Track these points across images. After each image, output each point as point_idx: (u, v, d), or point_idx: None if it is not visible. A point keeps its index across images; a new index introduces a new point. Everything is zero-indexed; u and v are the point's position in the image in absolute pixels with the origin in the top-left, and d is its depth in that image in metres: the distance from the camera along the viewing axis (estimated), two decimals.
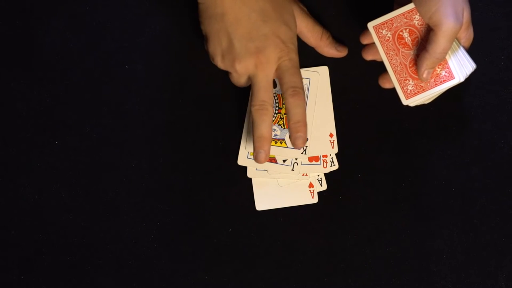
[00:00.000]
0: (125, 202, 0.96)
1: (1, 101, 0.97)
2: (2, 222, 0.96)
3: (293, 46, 0.91)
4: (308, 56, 0.96)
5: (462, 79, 0.89)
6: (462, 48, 0.89)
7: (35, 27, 0.98)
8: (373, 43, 0.91)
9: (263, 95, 0.90)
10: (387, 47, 0.90)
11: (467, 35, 0.90)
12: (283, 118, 0.95)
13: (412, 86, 0.90)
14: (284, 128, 0.95)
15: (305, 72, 0.96)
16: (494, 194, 0.95)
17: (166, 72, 0.97)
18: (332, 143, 0.95)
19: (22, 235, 0.96)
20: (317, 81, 0.96)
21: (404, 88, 0.90)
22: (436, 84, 0.89)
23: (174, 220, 0.96)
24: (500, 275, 0.94)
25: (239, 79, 0.91)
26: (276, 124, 0.95)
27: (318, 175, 0.95)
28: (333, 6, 0.97)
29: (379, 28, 0.90)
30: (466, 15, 0.88)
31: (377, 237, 0.95)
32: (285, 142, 0.95)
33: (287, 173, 0.95)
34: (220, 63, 0.91)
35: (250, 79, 0.91)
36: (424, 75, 0.88)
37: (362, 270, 0.95)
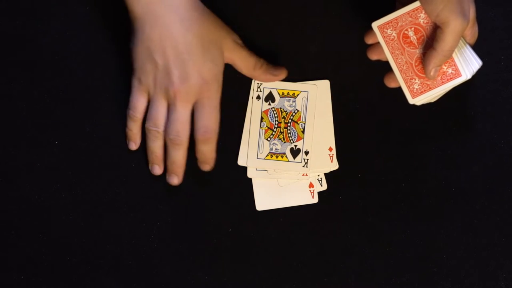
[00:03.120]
0: (125, 202, 0.96)
1: (1, 101, 0.97)
2: (2, 222, 0.96)
3: (216, 84, 0.91)
4: (308, 69, 0.96)
5: (469, 76, 0.89)
6: (468, 45, 0.89)
7: (35, 27, 0.98)
8: (378, 42, 0.91)
9: (178, 126, 0.91)
10: (392, 47, 0.90)
11: (472, 33, 0.90)
12: (283, 133, 0.95)
13: (419, 85, 0.90)
14: (285, 142, 0.95)
15: (304, 85, 0.96)
16: (494, 194, 0.95)
17: None
18: (331, 157, 0.95)
19: (22, 235, 0.96)
20: (315, 94, 0.95)
21: (411, 87, 0.90)
22: (443, 82, 0.89)
23: (174, 220, 0.96)
24: (500, 275, 0.94)
25: (140, 99, 0.93)
26: (276, 139, 0.95)
27: (318, 175, 0.95)
28: (334, 6, 0.97)
29: (383, 28, 0.90)
30: (471, 12, 0.88)
31: (377, 237, 0.95)
32: (286, 156, 0.95)
33: (297, 170, 0.95)
34: (143, 81, 0.92)
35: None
36: (432, 73, 0.88)
37: (362, 270, 0.95)
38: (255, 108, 0.96)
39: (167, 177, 0.95)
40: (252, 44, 0.95)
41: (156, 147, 0.94)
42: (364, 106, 0.96)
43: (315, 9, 0.97)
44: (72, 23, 0.98)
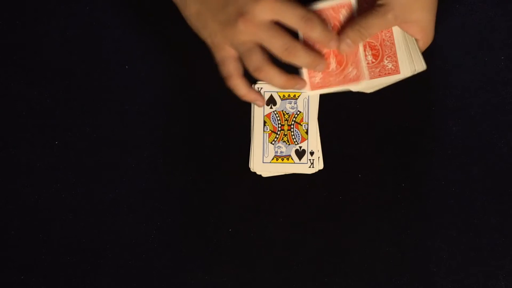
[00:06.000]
0: (125, 202, 0.96)
1: (1, 101, 0.97)
2: (2, 222, 0.96)
3: None
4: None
5: (408, 74, 0.88)
6: (416, 47, 0.89)
7: (35, 27, 0.98)
8: None
9: (279, 41, 0.84)
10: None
11: (423, 37, 0.89)
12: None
13: (319, 79, 0.89)
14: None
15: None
16: (494, 194, 0.95)
17: (166, 72, 0.97)
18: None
19: (22, 235, 0.96)
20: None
21: (312, 80, 0.89)
22: (380, 75, 0.89)
23: (174, 220, 0.96)
24: (500, 275, 0.94)
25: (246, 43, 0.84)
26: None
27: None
28: None
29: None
30: (425, 19, 0.87)
31: (377, 237, 0.95)
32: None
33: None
34: (214, 40, 0.85)
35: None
36: (343, 46, 0.86)
37: (362, 270, 0.95)
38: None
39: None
40: None
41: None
42: (364, 106, 0.96)
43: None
44: (72, 23, 0.98)
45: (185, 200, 0.96)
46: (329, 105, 0.96)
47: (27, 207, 0.96)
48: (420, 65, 0.89)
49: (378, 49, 0.89)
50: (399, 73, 0.88)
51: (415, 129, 0.96)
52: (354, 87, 0.89)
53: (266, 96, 0.96)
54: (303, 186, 0.96)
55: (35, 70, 0.97)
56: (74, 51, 0.98)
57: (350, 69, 0.88)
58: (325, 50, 0.87)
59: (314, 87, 0.89)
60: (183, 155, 0.96)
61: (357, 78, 0.88)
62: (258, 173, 0.95)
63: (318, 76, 0.88)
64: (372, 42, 0.89)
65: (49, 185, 0.96)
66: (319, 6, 0.87)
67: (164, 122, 0.97)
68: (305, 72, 0.88)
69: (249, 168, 0.95)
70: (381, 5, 0.86)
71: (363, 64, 0.88)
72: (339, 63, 0.88)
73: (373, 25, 0.86)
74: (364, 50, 0.89)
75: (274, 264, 0.95)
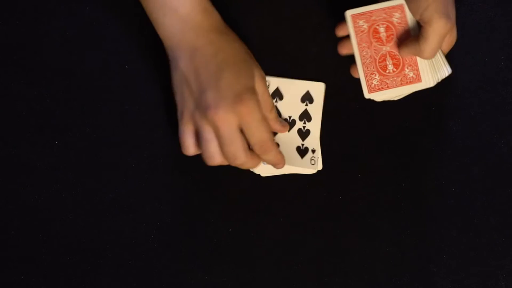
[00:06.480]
0: (125, 202, 0.96)
1: (1, 101, 0.97)
2: (2, 222, 0.96)
3: (253, 98, 0.86)
4: (308, 69, 0.96)
5: (431, 84, 0.89)
6: (439, 51, 0.89)
7: (35, 27, 0.98)
8: (348, 36, 0.91)
9: (230, 149, 0.87)
10: (360, 38, 0.90)
11: (449, 39, 0.89)
12: None
13: (377, 81, 0.90)
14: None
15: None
16: (494, 194, 0.95)
17: (166, 72, 0.97)
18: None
19: (22, 235, 0.96)
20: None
21: (369, 82, 0.90)
22: (401, 84, 0.89)
23: (174, 220, 0.96)
24: (500, 275, 0.94)
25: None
26: None
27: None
28: (334, 6, 0.97)
29: (356, 18, 0.90)
30: (454, 16, 0.88)
31: (377, 237, 0.95)
32: None
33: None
34: (185, 113, 0.89)
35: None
36: (403, 53, 0.88)
37: (362, 270, 0.95)
38: None
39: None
40: (252, 44, 0.95)
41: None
42: (364, 105, 0.96)
43: (315, 10, 0.97)
44: (72, 23, 0.98)
45: (185, 200, 0.96)
46: (329, 105, 0.96)
47: (27, 207, 0.96)
48: (444, 71, 0.89)
49: (399, 58, 0.89)
50: (421, 81, 0.89)
51: (415, 129, 0.96)
52: (415, 88, 0.89)
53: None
54: (303, 186, 0.96)
55: (35, 70, 0.98)
56: (74, 51, 0.98)
57: (407, 71, 0.89)
58: (380, 53, 0.88)
59: (371, 90, 0.90)
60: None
61: (417, 79, 0.88)
62: (257, 172, 0.95)
63: (376, 79, 0.89)
64: (393, 52, 0.89)
65: (49, 185, 0.96)
66: (370, 7, 0.89)
67: (164, 122, 0.97)
68: (362, 75, 0.90)
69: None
70: (426, 22, 0.85)
71: (422, 65, 0.88)
72: (395, 65, 0.89)
73: (432, 42, 0.86)
74: (385, 60, 0.89)
75: (274, 264, 0.95)
